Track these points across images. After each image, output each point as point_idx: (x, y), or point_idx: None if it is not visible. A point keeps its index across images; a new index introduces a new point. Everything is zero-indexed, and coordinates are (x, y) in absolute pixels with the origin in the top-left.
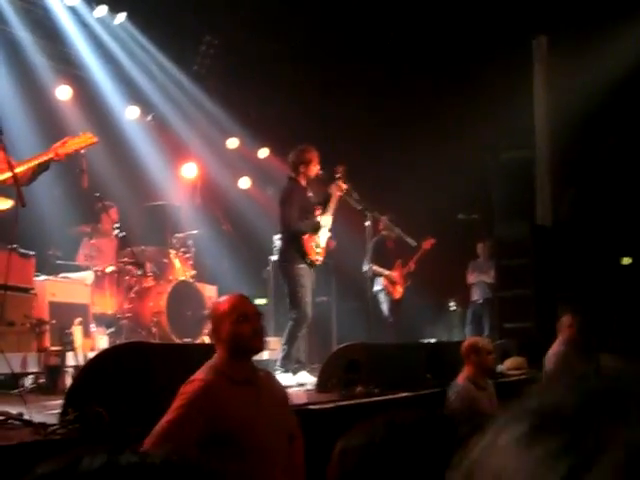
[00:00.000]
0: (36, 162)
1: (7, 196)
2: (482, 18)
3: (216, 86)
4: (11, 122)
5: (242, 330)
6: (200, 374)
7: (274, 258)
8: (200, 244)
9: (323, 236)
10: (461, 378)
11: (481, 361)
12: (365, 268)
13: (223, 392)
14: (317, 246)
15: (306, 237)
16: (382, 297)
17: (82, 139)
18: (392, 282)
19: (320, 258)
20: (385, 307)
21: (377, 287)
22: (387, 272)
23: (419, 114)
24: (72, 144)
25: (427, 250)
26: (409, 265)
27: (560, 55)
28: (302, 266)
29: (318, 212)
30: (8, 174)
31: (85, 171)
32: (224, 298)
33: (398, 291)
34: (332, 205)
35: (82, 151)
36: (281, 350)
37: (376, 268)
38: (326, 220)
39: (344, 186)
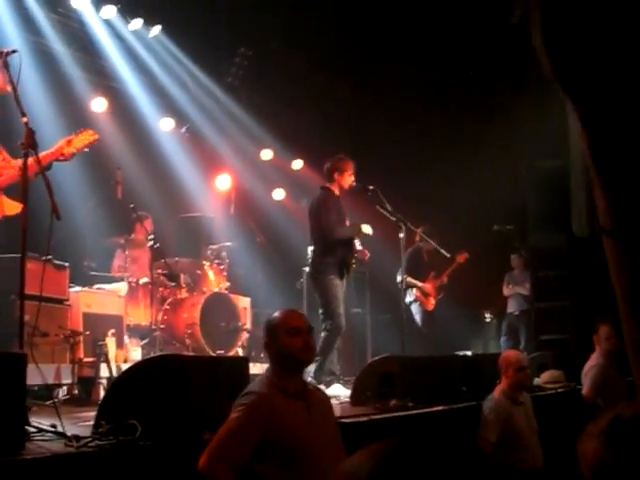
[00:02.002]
0: (44, 162)
1: (18, 200)
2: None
3: (250, 97)
4: (46, 134)
5: (293, 343)
6: (255, 387)
7: (307, 269)
8: (234, 255)
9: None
10: (497, 392)
11: (515, 376)
12: (399, 279)
13: (277, 405)
14: (356, 253)
15: (354, 242)
16: (415, 308)
17: (85, 136)
18: (425, 294)
19: (354, 263)
20: (418, 318)
21: (409, 298)
22: (420, 284)
23: (453, 125)
24: (77, 142)
25: (461, 264)
26: (442, 278)
27: None
28: (334, 277)
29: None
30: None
31: (120, 182)
32: (276, 313)
33: (431, 303)
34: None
35: (84, 150)
36: (314, 361)
37: (410, 279)
38: (367, 229)
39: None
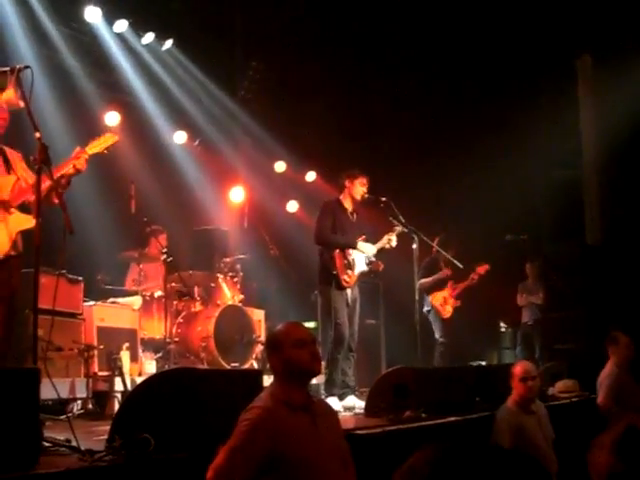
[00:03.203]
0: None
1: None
2: (525, 38)
3: (263, 110)
4: (59, 149)
5: (300, 355)
6: (259, 401)
7: None
8: (248, 268)
9: (359, 264)
10: (509, 401)
11: (519, 386)
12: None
13: (282, 418)
14: (349, 268)
15: (337, 253)
16: (431, 317)
17: (105, 139)
18: (441, 302)
19: (349, 281)
20: (435, 327)
21: (426, 307)
22: (436, 292)
23: (468, 136)
24: (93, 147)
25: (480, 275)
26: (459, 286)
27: (605, 74)
28: (330, 286)
29: (361, 239)
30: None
31: (133, 196)
32: (279, 326)
33: (447, 311)
34: (381, 244)
35: (105, 152)
36: (324, 374)
37: (424, 281)
38: (367, 248)
39: (395, 234)
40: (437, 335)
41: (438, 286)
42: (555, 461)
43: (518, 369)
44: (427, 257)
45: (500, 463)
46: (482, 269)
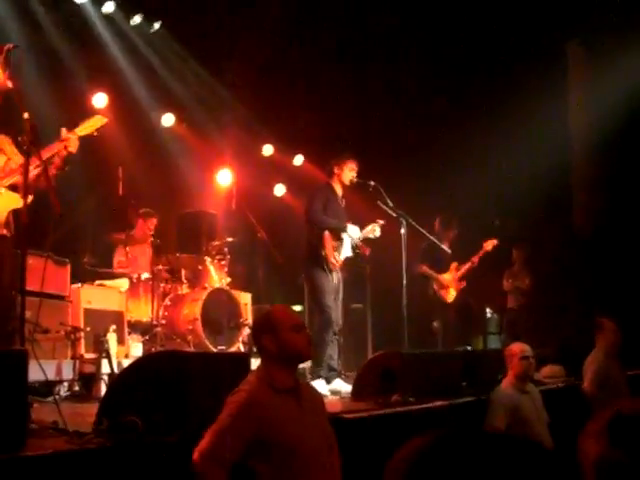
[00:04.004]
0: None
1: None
2: (513, 24)
3: (251, 93)
4: (47, 130)
5: (297, 340)
6: (246, 384)
7: None
8: (235, 251)
9: (345, 249)
10: (504, 383)
11: (519, 365)
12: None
13: (268, 401)
14: (336, 251)
15: (327, 234)
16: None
17: (93, 122)
18: (442, 286)
19: (335, 264)
20: (435, 311)
21: (430, 292)
22: (436, 275)
23: (457, 120)
24: (83, 128)
25: (487, 252)
26: (470, 261)
27: (595, 59)
28: (320, 269)
29: (349, 223)
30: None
31: (121, 179)
32: (271, 308)
33: (451, 294)
34: (365, 233)
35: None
36: None
37: (425, 269)
38: (354, 232)
39: (379, 226)
40: (434, 320)
41: (440, 270)
42: (550, 443)
43: (517, 348)
44: (424, 241)
45: (500, 450)
46: (490, 245)
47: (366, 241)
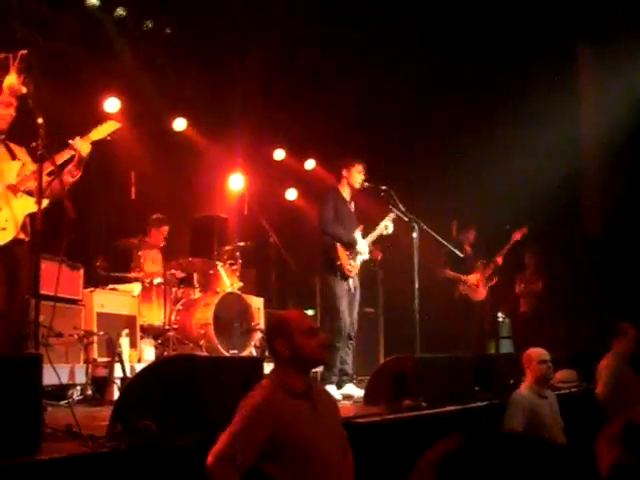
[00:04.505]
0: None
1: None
2: (524, 24)
3: (263, 97)
4: (60, 134)
5: (311, 344)
6: (260, 388)
7: None
8: (247, 256)
9: (361, 254)
10: (523, 387)
11: (538, 369)
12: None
13: (282, 404)
14: (352, 259)
15: (340, 245)
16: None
17: (106, 126)
18: (471, 286)
19: (352, 270)
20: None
21: (456, 294)
22: (462, 277)
23: (466, 124)
24: (97, 133)
25: (517, 241)
26: (495, 261)
27: (607, 61)
28: (333, 275)
29: (359, 229)
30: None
31: (133, 183)
32: (286, 313)
33: (480, 292)
34: (378, 231)
35: (107, 139)
36: None
37: (449, 273)
38: (363, 247)
39: (391, 220)
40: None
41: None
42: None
43: (535, 352)
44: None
45: (523, 451)
46: (518, 234)
47: (378, 245)
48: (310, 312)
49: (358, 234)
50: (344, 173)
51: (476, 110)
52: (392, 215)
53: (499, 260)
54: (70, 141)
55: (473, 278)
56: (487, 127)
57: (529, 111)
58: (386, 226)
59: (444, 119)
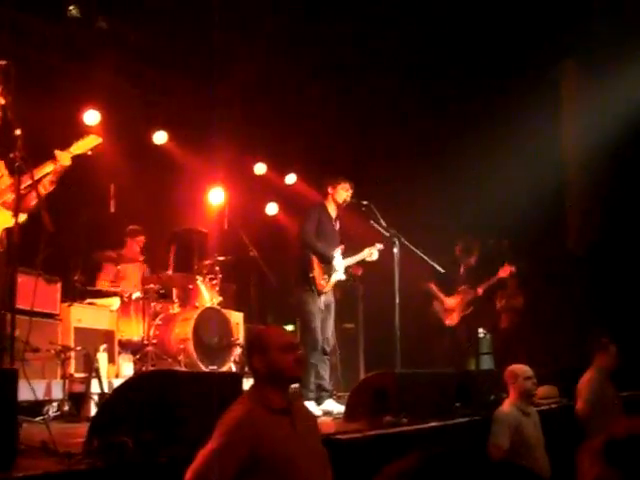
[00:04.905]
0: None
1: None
2: (507, 41)
3: (244, 111)
4: (39, 147)
5: (285, 360)
6: (239, 404)
7: None
8: (226, 270)
9: (337, 271)
10: (506, 404)
11: (523, 385)
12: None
13: (261, 421)
14: (326, 273)
15: (315, 258)
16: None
17: (87, 141)
18: (446, 309)
19: (326, 286)
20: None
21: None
22: (441, 296)
23: (450, 140)
24: (77, 147)
25: (501, 279)
26: (476, 290)
27: (588, 78)
28: (307, 289)
29: (341, 247)
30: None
31: (113, 196)
32: (263, 328)
33: (451, 318)
34: (360, 256)
35: (88, 153)
36: None
37: (432, 287)
38: (339, 265)
39: (377, 250)
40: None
41: (447, 291)
42: (548, 465)
43: (520, 369)
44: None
45: (486, 473)
46: (504, 272)
47: (360, 261)
48: (290, 327)
49: (338, 252)
50: (329, 190)
51: (458, 125)
52: (379, 246)
53: (480, 291)
54: (58, 153)
55: (452, 301)
56: (468, 142)
57: (512, 127)
58: (371, 253)
59: (424, 133)
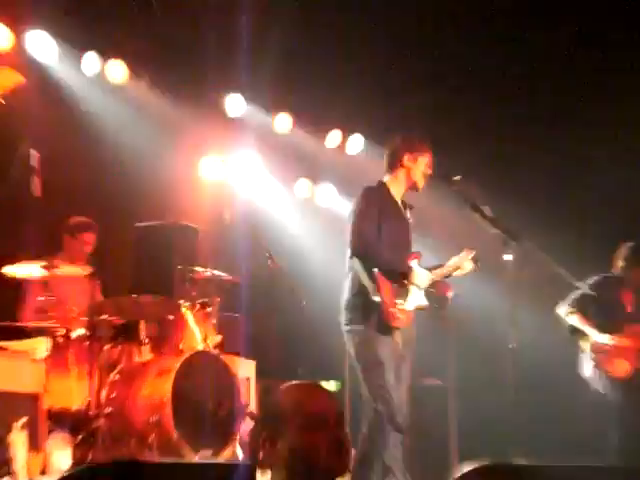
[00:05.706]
0: None
1: None
2: None
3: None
4: None
5: (314, 442)
6: None
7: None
8: (230, 291)
9: (416, 292)
10: None
11: None
12: (562, 312)
13: None
14: (401, 296)
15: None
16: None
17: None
18: (604, 352)
19: (400, 318)
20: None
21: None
22: (594, 334)
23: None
24: None
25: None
26: None
27: None
28: (372, 326)
29: (415, 257)
30: None
31: (37, 171)
32: (283, 390)
33: (621, 368)
34: (446, 270)
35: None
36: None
37: (580, 319)
38: (421, 278)
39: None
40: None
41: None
42: None
43: None
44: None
45: None
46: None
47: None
48: (332, 385)
49: (415, 262)
50: (406, 161)
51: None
52: (472, 252)
53: None
54: None
55: (617, 342)
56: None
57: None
58: (462, 264)
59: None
